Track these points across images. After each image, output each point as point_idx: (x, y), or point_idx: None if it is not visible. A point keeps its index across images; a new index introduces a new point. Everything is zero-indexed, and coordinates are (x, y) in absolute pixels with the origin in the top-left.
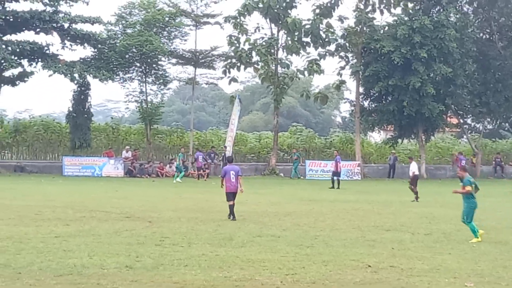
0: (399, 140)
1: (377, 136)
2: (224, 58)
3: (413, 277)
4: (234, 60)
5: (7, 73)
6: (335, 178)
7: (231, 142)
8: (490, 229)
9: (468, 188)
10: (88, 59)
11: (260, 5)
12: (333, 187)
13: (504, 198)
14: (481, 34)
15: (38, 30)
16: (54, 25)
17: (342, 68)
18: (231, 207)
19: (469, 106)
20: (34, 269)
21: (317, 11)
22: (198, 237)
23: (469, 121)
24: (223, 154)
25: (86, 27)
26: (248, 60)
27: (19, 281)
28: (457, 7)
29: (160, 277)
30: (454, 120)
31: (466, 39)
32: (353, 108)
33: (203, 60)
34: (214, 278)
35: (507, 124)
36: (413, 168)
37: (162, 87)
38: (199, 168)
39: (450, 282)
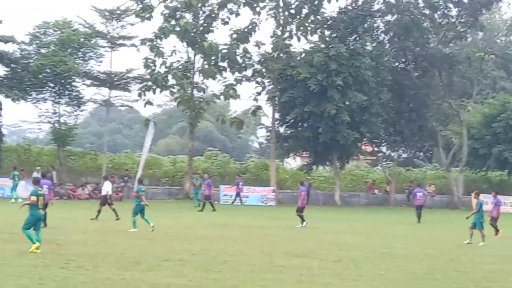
0: (314, 167)
1: (292, 162)
2: (139, 81)
3: None
4: (149, 83)
5: None
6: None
7: (142, 164)
8: (399, 258)
9: (33, 198)
10: (0, 78)
11: (177, 29)
12: (202, 210)
13: (414, 226)
14: (397, 63)
15: None
16: None
17: (259, 93)
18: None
19: (383, 134)
20: None
21: (234, 36)
22: (104, 260)
23: (384, 149)
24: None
25: None
26: (164, 83)
27: None
28: (373, 36)
29: None
30: (369, 148)
31: (381, 68)
32: (269, 133)
33: (118, 82)
34: None
35: (421, 153)
36: (106, 187)
37: (76, 108)
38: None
39: None
